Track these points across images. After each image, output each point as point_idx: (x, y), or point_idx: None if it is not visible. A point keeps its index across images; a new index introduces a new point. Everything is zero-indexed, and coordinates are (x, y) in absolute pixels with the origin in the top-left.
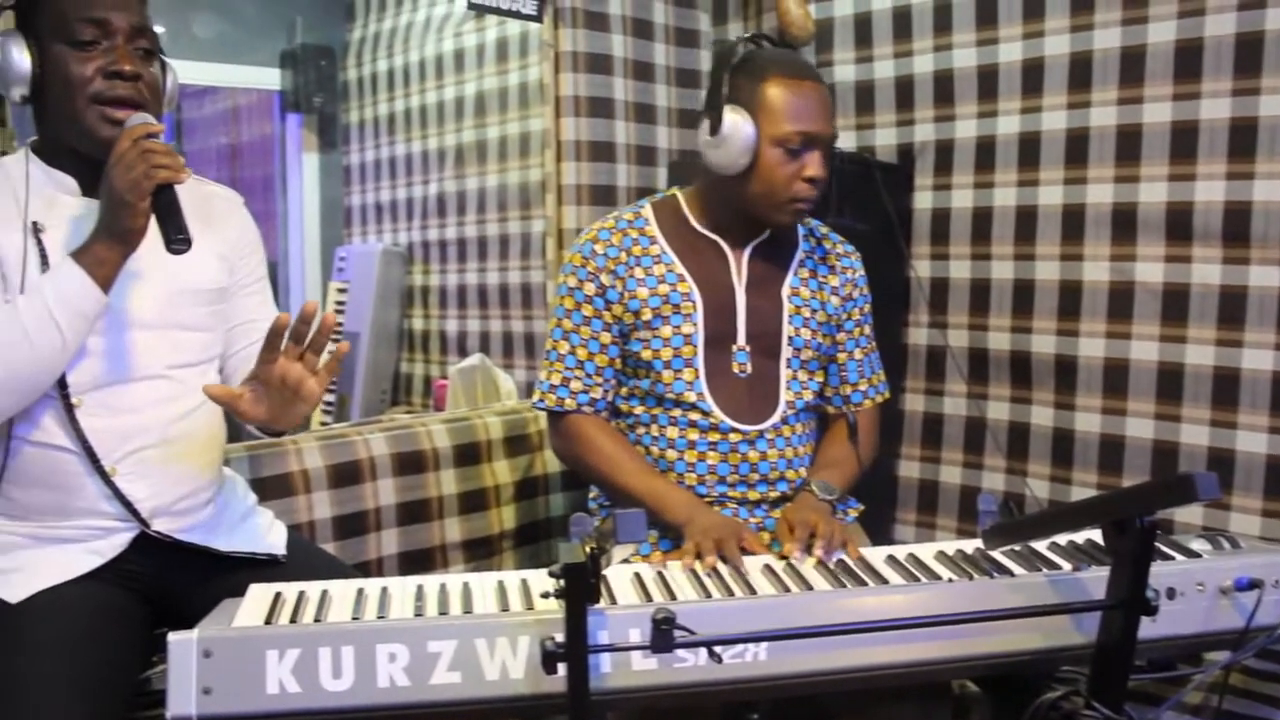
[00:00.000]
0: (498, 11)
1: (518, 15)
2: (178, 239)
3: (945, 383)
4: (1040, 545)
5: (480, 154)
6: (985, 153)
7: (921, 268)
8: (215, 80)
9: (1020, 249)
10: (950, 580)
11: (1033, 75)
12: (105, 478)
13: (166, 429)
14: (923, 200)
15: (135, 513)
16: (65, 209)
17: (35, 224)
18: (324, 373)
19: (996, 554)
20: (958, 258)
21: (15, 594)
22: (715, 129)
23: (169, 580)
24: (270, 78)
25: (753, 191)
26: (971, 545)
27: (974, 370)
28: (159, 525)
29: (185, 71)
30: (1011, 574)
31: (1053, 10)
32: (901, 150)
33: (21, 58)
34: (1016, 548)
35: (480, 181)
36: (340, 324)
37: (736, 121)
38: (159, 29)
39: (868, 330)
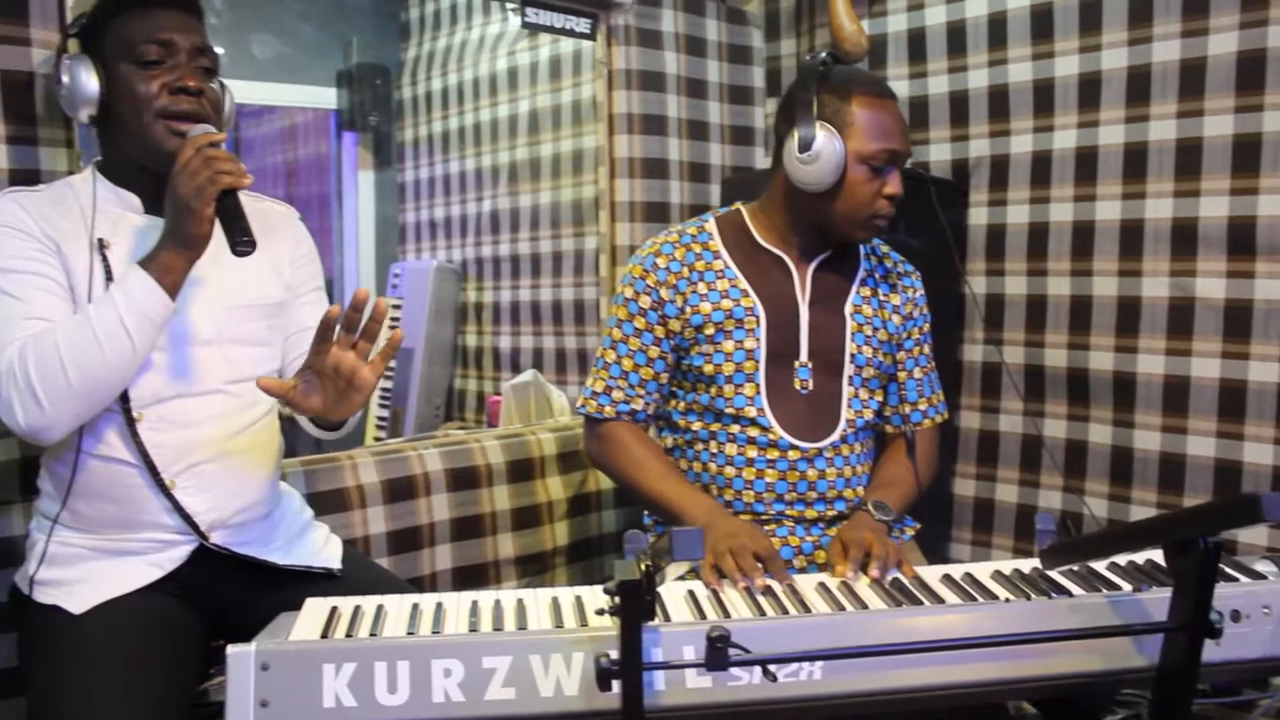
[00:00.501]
0: (552, 30)
1: (571, 34)
2: (242, 241)
3: (1001, 400)
4: (1099, 565)
5: (534, 171)
6: (1041, 168)
7: (977, 284)
8: (273, 100)
9: (1077, 264)
10: (1007, 600)
11: (1090, 89)
12: (165, 491)
13: (225, 443)
14: (978, 216)
15: (194, 525)
16: (129, 225)
17: (100, 240)
18: (378, 360)
19: (1054, 574)
20: (1013, 274)
21: (79, 605)
22: (806, 146)
23: (227, 593)
24: (327, 97)
25: (836, 209)
26: (1029, 565)
27: (1030, 387)
28: (217, 538)
29: (244, 91)
30: (1070, 594)
31: (1110, 23)
32: (956, 166)
33: (89, 79)
34: (1075, 568)
35: (533, 198)
36: (396, 317)
37: (829, 139)
38: (218, 50)
39: (927, 349)
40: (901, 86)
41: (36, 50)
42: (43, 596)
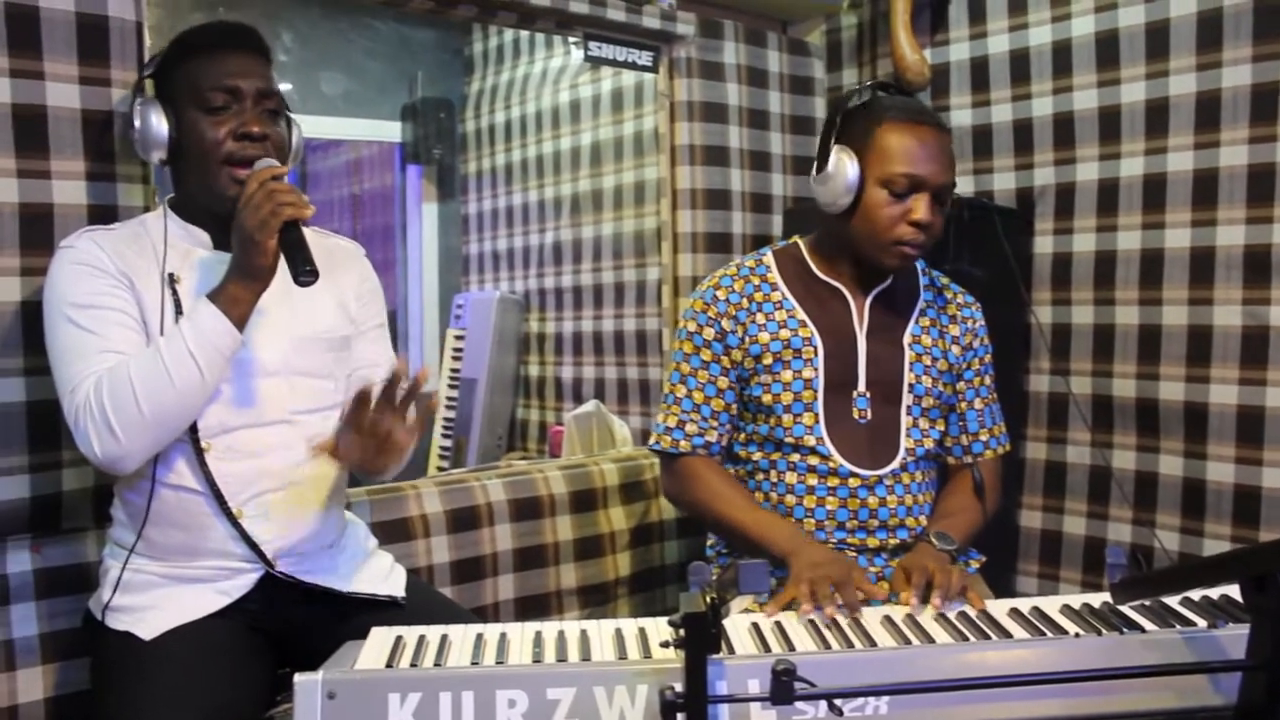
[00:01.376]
0: (614, 64)
1: (634, 66)
2: (305, 271)
3: (1068, 430)
4: (1172, 600)
5: (596, 202)
6: (1108, 195)
7: (1042, 313)
8: (340, 134)
9: (1146, 293)
10: (1078, 635)
11: (1157, 115)
12: (232, 519)
13: (290, 473)
14: (1043, 245)
15: (260, 554)
16: (199, 261)
17: (171, 275)
18: (415, 425)
19: (1126, 609)
20: (1080, 303)
21: (149, 631)
22: (821, 167)
23: (292, 620)
24: (392, 130)
25: (856, 229)
26: (1098, 599)
27: (1098, 417)
28: (283, 566)
29: (312, 126)
30: (1143, 630)
31: (1178, 49)
32: (1021, 194)
33: (160, 124)
34: (1147, 602)
35: (596, 230)
36: (459, 348)
37: (841, 159)
38: (286, 86)
39: (988, 380)
40: (964, 115)
41: (116, 90)
42: (115, 623)
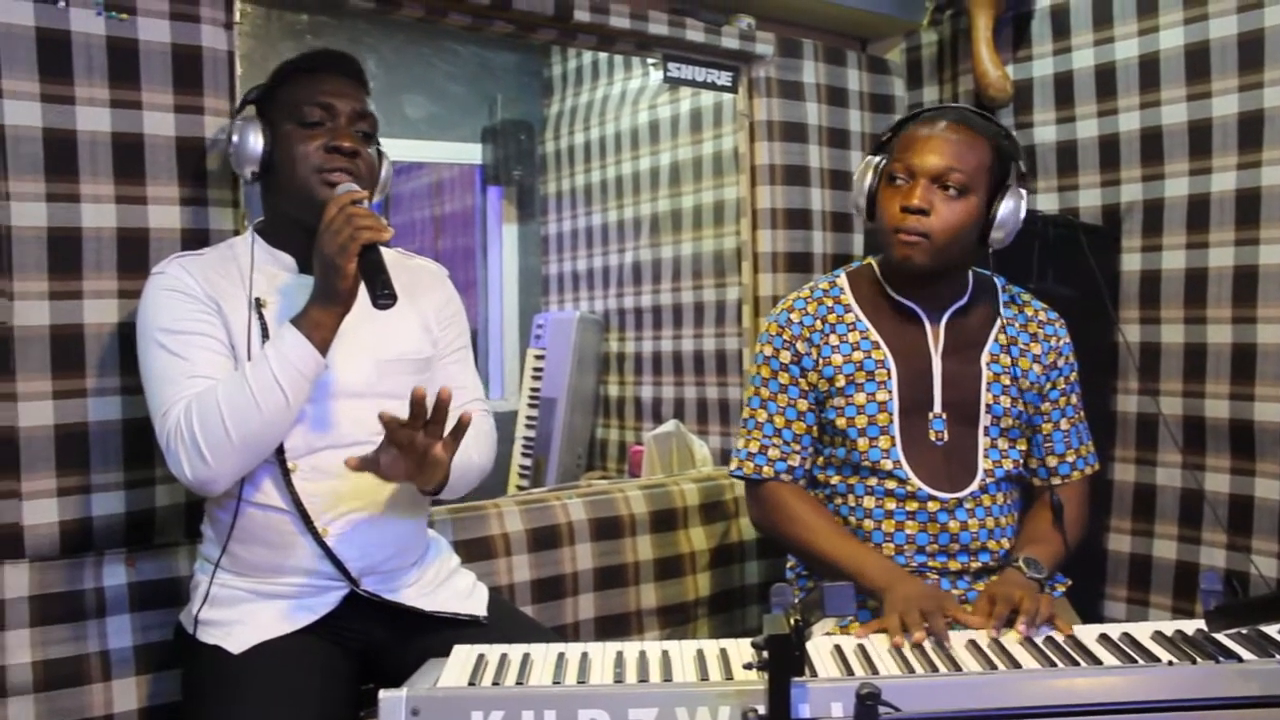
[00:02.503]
0: (693, 84)
1: (713, 87)
2: (383, 294)
3: (1158, 452)
4: (1271, 629)
5: (675, 222)
6: (1199, 211)
7: (1130, 332)
8: (422, 156)
9: (1240, 311)
10: (1171, 663)
11: (1251, 129)
12: (318, 538)
13: (374, 492)
14: (1130, 262)
15: (345, 572)
16: (284, 284)
17: (258, 300)
18: (450, 440)
19: (1221, 637)
20: (1170, 321)
21: (238, 645)
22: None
23: (376, 637)
24: (472, 153)
25: (877, 230)
26: (1192, 626)
27: (1189, 439)
28: (368, 584)
29: (395, 149)
30: (1239, 659)
31: (1272, 60)
32: (1107, 211)
33: (256, 139)
34: (1243, 631)
35: (675, 249)
36: (539, 368)
37: (862, 166)
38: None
39: (1074, 399)
40: (1049, 132)
41: (209, 118)
42: (205, 636)
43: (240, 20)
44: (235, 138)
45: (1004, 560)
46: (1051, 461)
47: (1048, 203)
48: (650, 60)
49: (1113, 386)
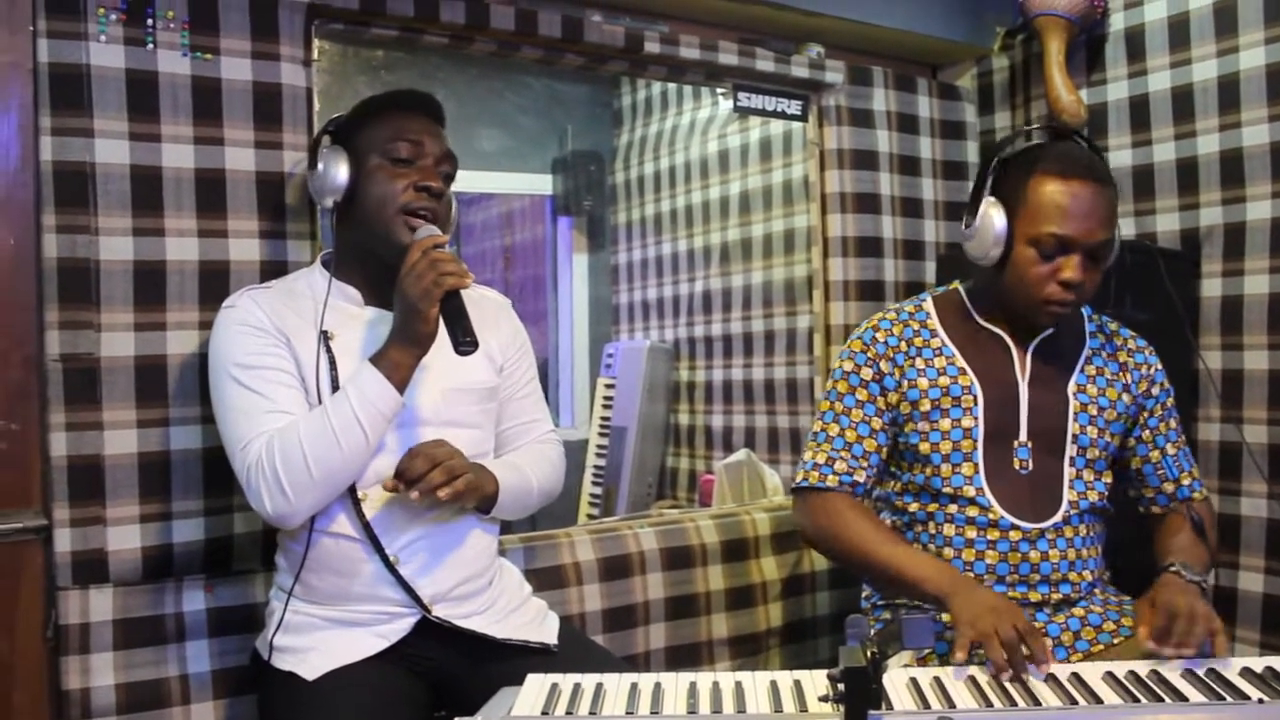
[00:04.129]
0: (763, 113)
1: (783, 116)
2: (465, 341)
3: (1242, 482)
4: None
5: (745, 251)
6: None
7: (1211, 359)
8: (494, 188)
9: None
10: (1261, 701)
11: None
12: (389, 565)
13: (443, 519)
14: (1211, 288)
15: (417, 599)
16: (350, 318)
17: (325, 332)
18: (447, 494)
19: None
20: (1253, 347)
21: (312, 672)
22: (970, 221)
23: (448, 664)
24: (543, 183)
25: (1007, 285)
26: None
27: (1276, 469)
28: (439, 611)
29: (467, 180)
30: None
31: None
32: (1186, 236)
33: (341, 168)
34: None
35: (745, 278)
36: (610, 396)
37: (990, 214)
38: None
39: (1174, 424)
40: (1124, 156)
41: (288, 153)
42: (280, 663)
43: (318, 58)
44: (320, 165)
45: (1162, 569)
46: (1169, 487)
47: (1124, 228)
48: (720, 90)
49: (1193, 415)
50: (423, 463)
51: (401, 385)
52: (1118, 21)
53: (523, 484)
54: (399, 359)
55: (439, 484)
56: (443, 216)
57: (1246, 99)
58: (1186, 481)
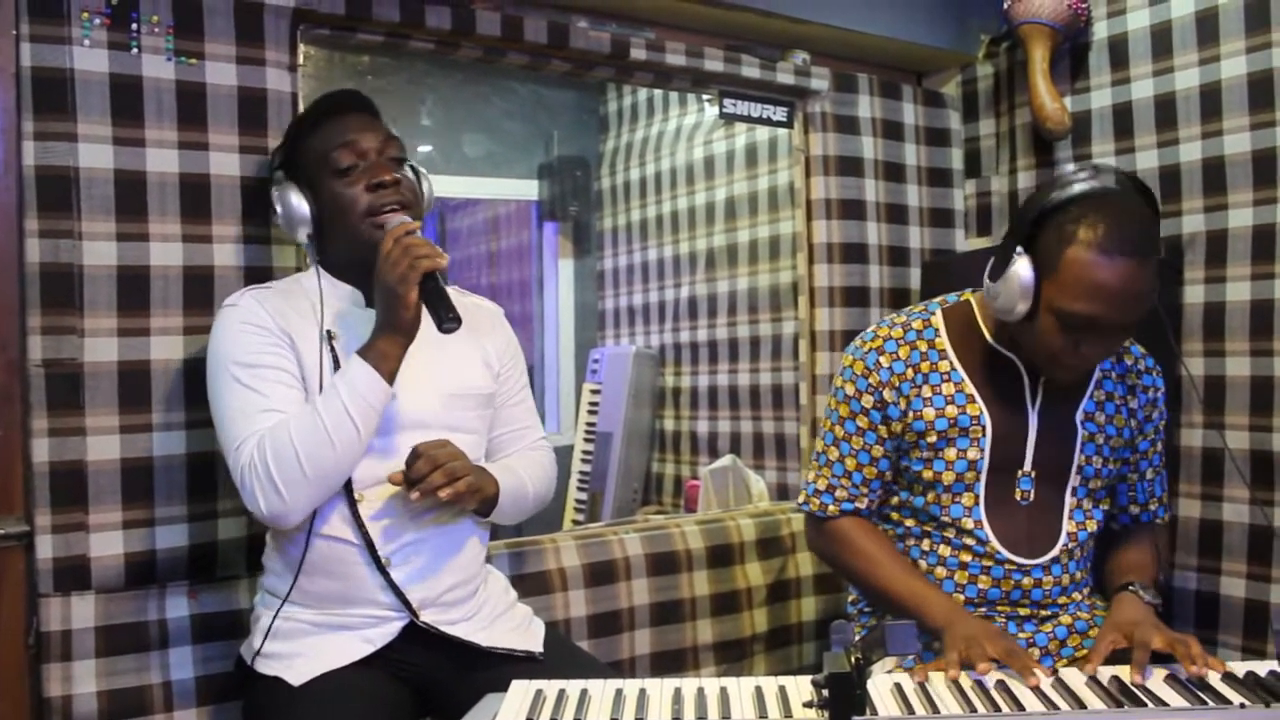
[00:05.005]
0: (749, 120)
1: (769, 122)
2: (448, 318)
3: (1224, 488)
4: None
5: (731, 257)
6: (1264, 242)
7: (1194, 365)
8: (479, 193)
9: None
10: (1243, 706)
11: None
12: (381, 568)
13: (436, 523)
14: (1193, 294)
15: (407, 603)
16: (353, 318)
17: (329, 333)
18: (447, 495)
19: None
20: (1235, 354)
21: (298, 677)
22: (999, 270)
23: (433, 670)
24: (529, 189)
25: (1024, 340)
26: (1264, 667)
27: (1257, 474)
28: (427, 617)
29: (453, 186)
30: None
31: None
32: (1169, 242)
33: (301, 201)
34: None
35: (731, 284)
36: (595, 402)
37: (1019, 273)
38: (427, 148)
39: (1160, 448)
40: (1107, 163)
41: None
42: (265, 668)
43: (303, 63)
44: (279, 207)
45: (1120, 588)
46: (1134, 510)
47: None
48: (706, 96)
49: (1176, 421)
50: (424, 464)
51: (390, 375)
52: (1101, 30)
53: (520, 488)
54: (385, 349)
55: (439, 485)
56: (410, 199)
57: (1228, 107)
58: (1153, 506)
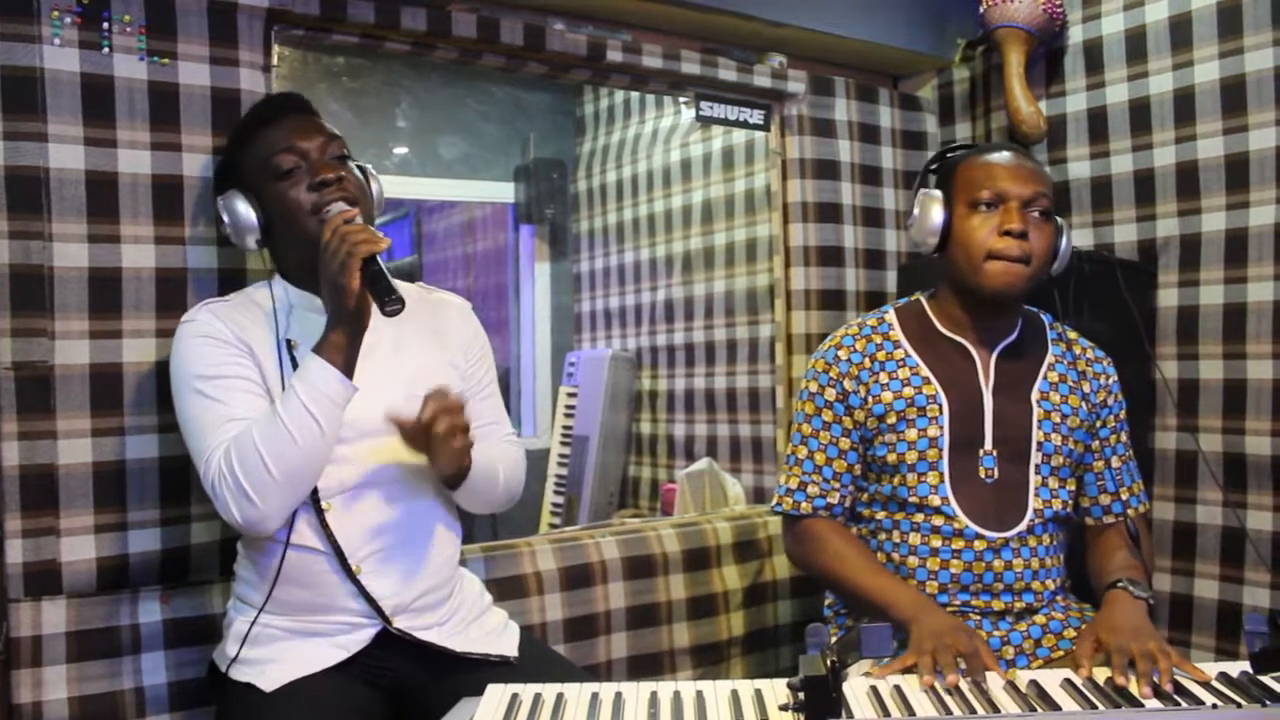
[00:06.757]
0: (726, 123)
1: (745, 125)
2: (390, 300)
3: (1198, 490)
4: None
5: (707, 260)
6: (1237, 246)
7: (1168, 368)
8: (455, 195)
9: None
10: (1215, 707)
11: None
12: (352, 576)
13: (405, 529)
14: (1167, 298)
15: (379, 610)
16: (312, 325)
17: (288, 341)
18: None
19: (1268, 679)
20: (1208, 357)
21: (270, 683)
22: (909, 213)
23: (407, 676)
24: (505, 191)
25: (955, 260)
26: (1236, 668)
27: (1230, 476)
28: (400, 623)
29: (429, 188)
30: None
31: None
32: (1143, 246)
33: (246, 209)
34: None
35: (707, 287)
36: (572, 405)
37: (925, 199)
38: (403, 150)
39: (1124, 437)
40: (1083, 167)
41: None
42: (238, 675)
43: (277, 64)
44: (226, 217)
45: (1108, 586)
46: (1105, 500)
47: (1082, 239)
48: (682, 99)
49: (1150, 424)
50: (435, 403)
51: (347, 368)
52: (1076, 34)
53: (491, 467)
54: (336, 340)
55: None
56: (356, 195)
57: (1201, 112)
58: (1124, 496)
